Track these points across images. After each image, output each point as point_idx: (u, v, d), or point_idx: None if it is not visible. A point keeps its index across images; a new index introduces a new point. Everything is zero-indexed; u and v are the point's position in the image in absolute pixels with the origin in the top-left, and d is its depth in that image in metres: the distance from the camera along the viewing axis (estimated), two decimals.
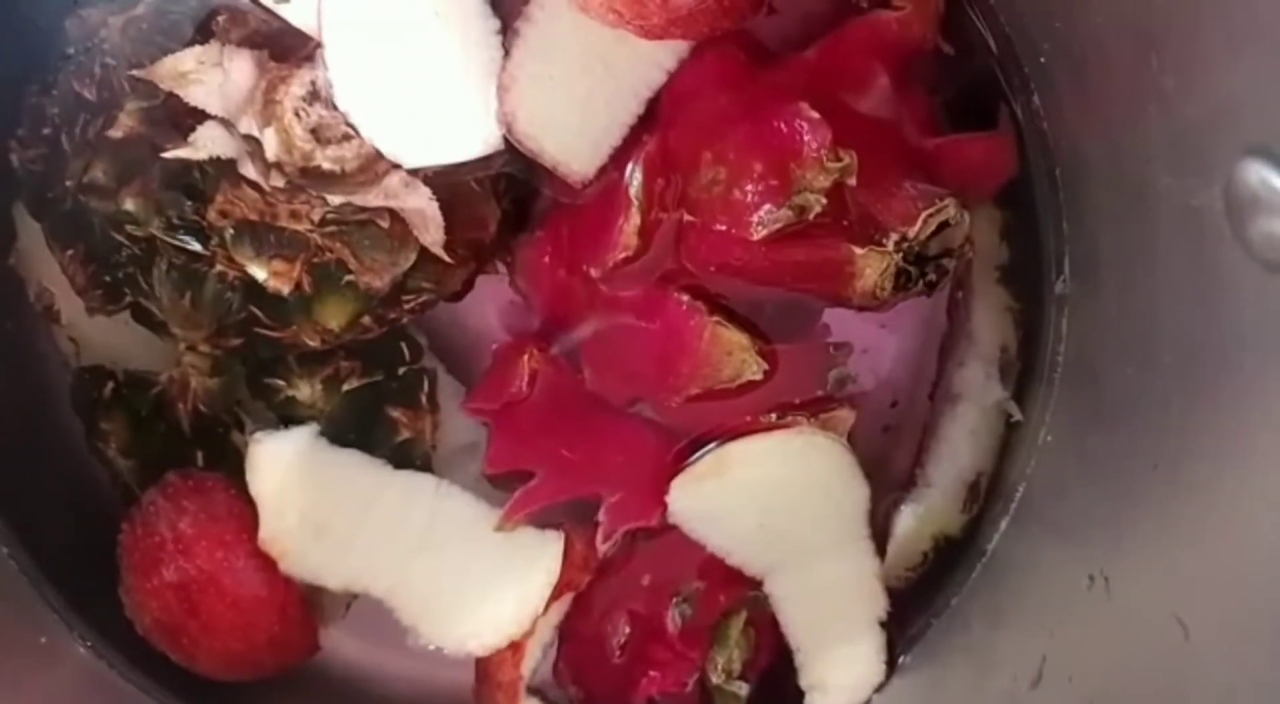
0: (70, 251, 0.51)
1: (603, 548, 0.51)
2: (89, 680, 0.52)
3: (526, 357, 0.51)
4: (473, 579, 0.52)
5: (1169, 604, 0.39)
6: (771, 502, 0.51)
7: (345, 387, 0.52)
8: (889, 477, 0.54)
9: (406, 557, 0.51)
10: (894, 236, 0.46)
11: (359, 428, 0.53)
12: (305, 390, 0.52)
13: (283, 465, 0.50)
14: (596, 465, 0.52)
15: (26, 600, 0.52)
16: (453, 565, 0.52)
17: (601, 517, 0.51)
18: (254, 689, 0.53)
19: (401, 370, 0.53)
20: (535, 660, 0.53)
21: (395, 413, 0.53)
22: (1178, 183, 0.39)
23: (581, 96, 0.47)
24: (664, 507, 0.51)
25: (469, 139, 0.48)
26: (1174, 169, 0.40)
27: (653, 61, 0.48)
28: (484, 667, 0.53)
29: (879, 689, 0.53)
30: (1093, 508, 0.47)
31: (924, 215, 0.46)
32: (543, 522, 0.52)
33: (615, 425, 0.52)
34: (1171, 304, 0.42)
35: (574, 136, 0.47)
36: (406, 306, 0.51)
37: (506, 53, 0.47)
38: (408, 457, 0.53)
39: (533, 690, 0.53)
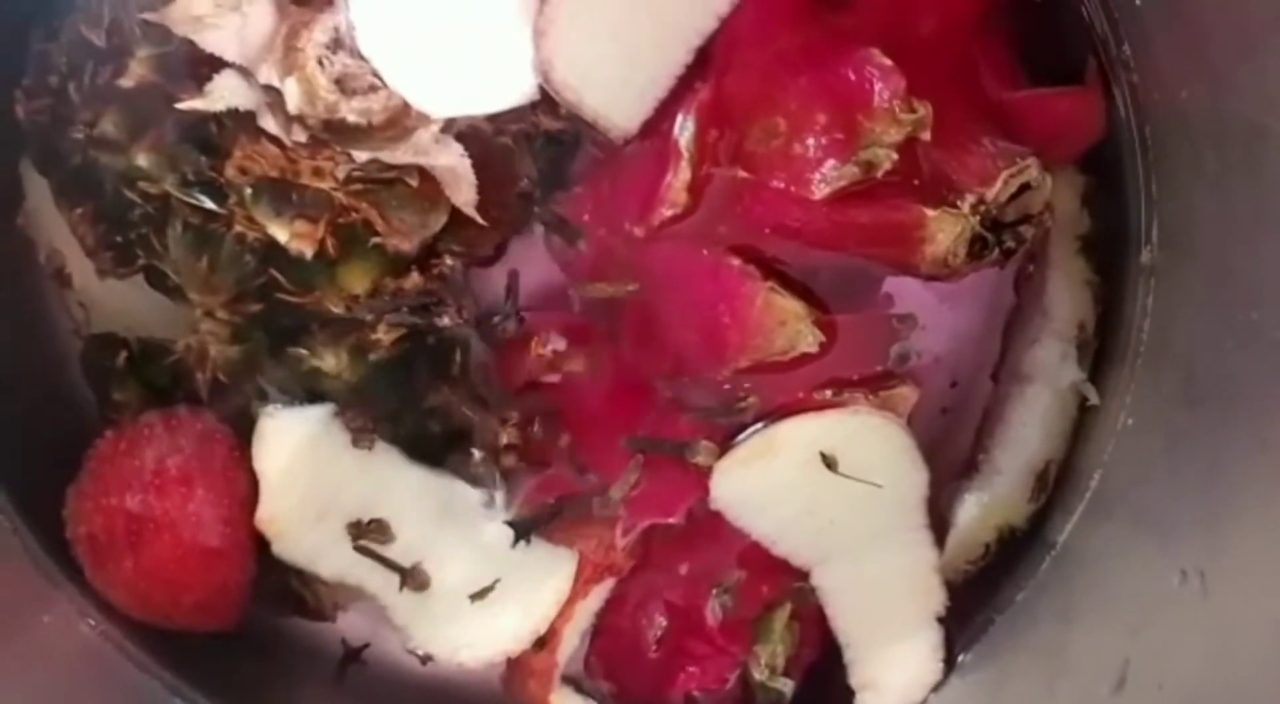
0: (79, 210, 0.49)
1: (621, 543, 0.51)
2: (92, 658, 0.51)
3: (534, 342, 0.50)
4: (475, 587, 0.50)
5: None
6: (822, 487, 0.49)
7: (372, 356, 0.50)
8: (946, 462, 0.53)
9: (408, 555, 0.50)
10: (970, 198, 0.44)
11: (387, 400, 0.51)
12: (330, 360, 0.50)
13: (292, 443, 0.49)
14: (617, 453, 0.50)
15: (29, 577, 0.51)
16: (456, 570, 0.50)
17: (620, 511, 0.50)
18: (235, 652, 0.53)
19: (431, 339, 0.52)
20: (572, 648, 0.52)
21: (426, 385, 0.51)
22: None
23: (626, 42, 0.45)
24: (688, 501, 0.49)
25: (503, 89, 0.46)
26: None
27: (705, 4, 0.45)
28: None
29: (935, 689, 0.51)
30: (1181, 496, 0.45)
31: (1004, 175, 0.44)
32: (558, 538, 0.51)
33: (640, 408, 0.50)
34: None
35: (617, 87, 0.46)
36: (435, 271, 0.50)
37: None
38: (437, 427, 0.52)
39: (568, 679, 0.52)
